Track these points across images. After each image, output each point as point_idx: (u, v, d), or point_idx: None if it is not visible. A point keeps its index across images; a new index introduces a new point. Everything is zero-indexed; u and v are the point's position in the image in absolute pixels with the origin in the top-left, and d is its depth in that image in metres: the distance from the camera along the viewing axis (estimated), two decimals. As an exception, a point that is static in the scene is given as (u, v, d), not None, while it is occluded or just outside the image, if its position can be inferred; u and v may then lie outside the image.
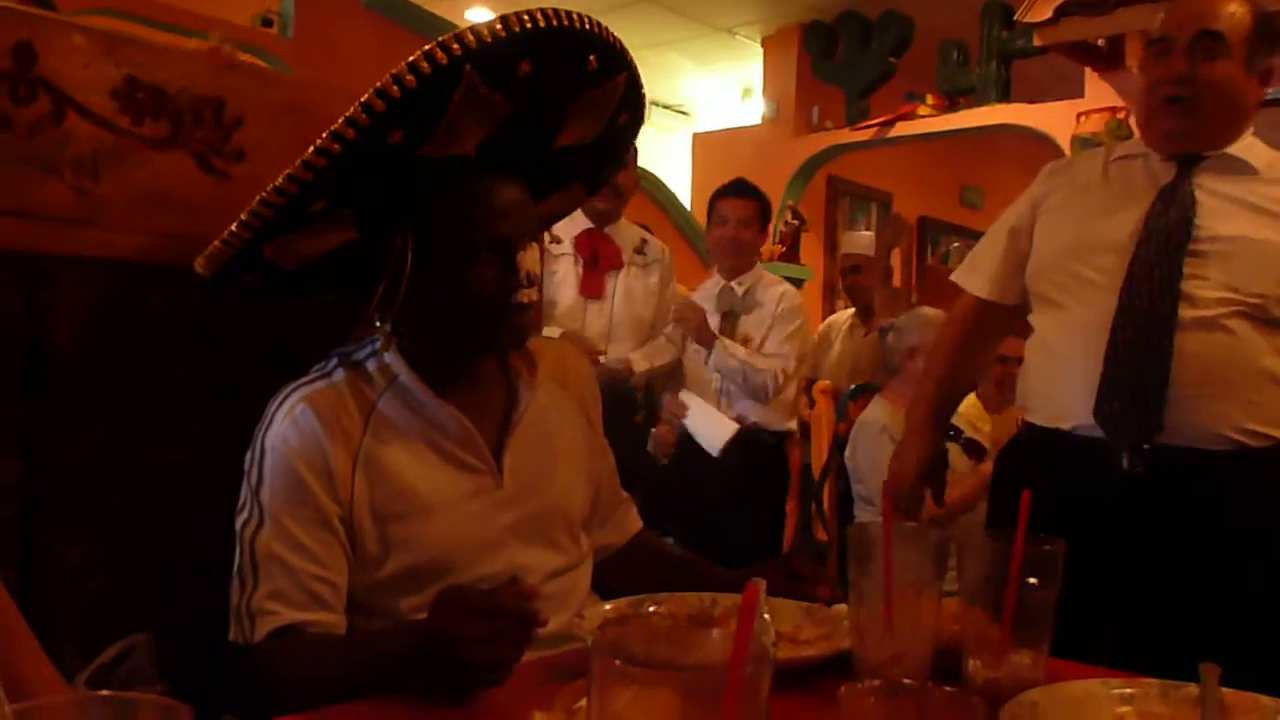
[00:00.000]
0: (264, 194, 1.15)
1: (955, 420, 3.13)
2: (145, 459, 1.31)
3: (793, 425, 3.73)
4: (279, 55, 4.97)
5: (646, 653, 0.63)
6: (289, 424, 1.23)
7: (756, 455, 3.51)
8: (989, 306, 2.08)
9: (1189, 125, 1.80)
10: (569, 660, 1.15)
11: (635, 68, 1.33)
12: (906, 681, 0.92)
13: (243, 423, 1.27)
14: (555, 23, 1.18)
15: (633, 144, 1.51)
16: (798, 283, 6.46)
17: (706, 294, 3.75)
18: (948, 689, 0.90)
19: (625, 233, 3.46)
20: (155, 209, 1.31)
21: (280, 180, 1.14)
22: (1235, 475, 1.72)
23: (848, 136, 6.17)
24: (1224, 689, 0.89)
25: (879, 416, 3.26)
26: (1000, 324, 2.16)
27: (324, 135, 1.11)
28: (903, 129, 5.90)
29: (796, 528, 4.04)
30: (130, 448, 1.29)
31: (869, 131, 6.03)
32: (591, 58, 1.26)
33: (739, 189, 3.71)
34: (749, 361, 3.46)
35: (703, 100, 8.26)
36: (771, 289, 3.71)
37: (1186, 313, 1.73)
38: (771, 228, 6.12)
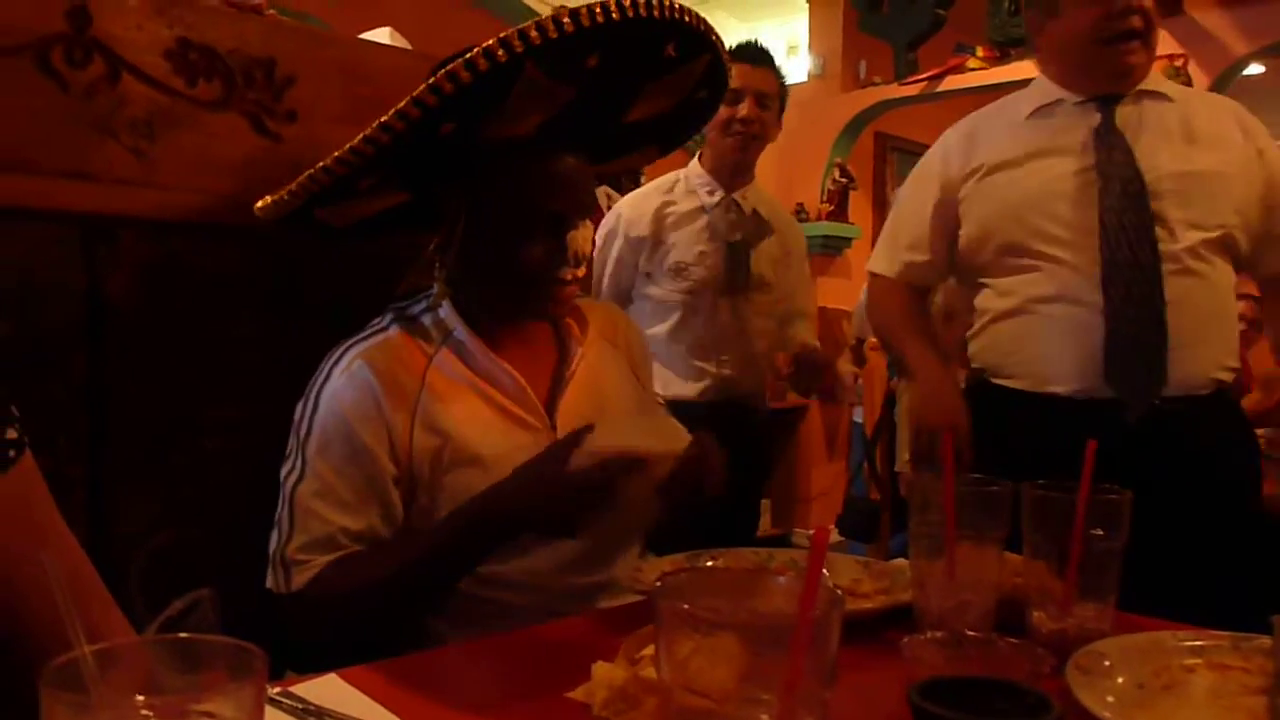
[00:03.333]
0: (312, 170, 1.16)
1: None
2: (205, 415, 1.32)
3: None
4: (321, 18, 4.96)
5: (712, 599, 0.63)
6: (345, 380, 1.23)
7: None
8: (912, 288, 2.04)
9: (1146, 57, 1.78)
10: (630, 614, 1.16)
11: (721, 49, 1.26)
12: (970, 633, 0.91)
13: (299, 379, 1.28)
14: (631, 13, 1.09)
15: (712, 116, 1.45)
16: (846, 242, 6.38)
17: (682, 208, 2.58)
18: (1013, 640, 0.89)
19: None
20: (210, 170, 1.32)
21: (328, 161, 1.15)
22: (1214, 416, 1.75)
23: (896, 91, 6.04)
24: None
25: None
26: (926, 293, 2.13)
27: (373, 125, 1.11)
28: (952, 83, 5.76)
29: (848, 485, 4.01)
30: (191, 405, 1.31)
31: (918, 86, 5.90)
32: (669, 46, 1.20)
33: (754, 54, 2.59)
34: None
35: (748, 58, 8.15)
36: (779, 209, 2.75)
37: (1166, 260, 1.72)
38: (819, 183, 6.04)
